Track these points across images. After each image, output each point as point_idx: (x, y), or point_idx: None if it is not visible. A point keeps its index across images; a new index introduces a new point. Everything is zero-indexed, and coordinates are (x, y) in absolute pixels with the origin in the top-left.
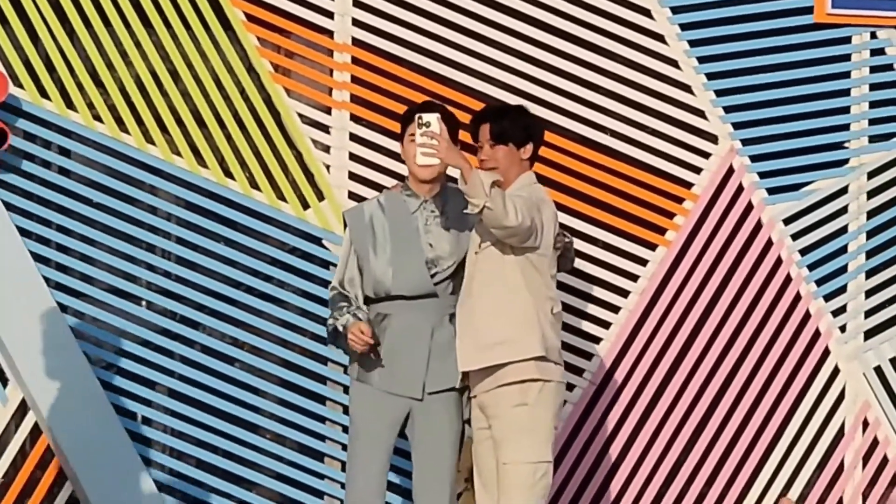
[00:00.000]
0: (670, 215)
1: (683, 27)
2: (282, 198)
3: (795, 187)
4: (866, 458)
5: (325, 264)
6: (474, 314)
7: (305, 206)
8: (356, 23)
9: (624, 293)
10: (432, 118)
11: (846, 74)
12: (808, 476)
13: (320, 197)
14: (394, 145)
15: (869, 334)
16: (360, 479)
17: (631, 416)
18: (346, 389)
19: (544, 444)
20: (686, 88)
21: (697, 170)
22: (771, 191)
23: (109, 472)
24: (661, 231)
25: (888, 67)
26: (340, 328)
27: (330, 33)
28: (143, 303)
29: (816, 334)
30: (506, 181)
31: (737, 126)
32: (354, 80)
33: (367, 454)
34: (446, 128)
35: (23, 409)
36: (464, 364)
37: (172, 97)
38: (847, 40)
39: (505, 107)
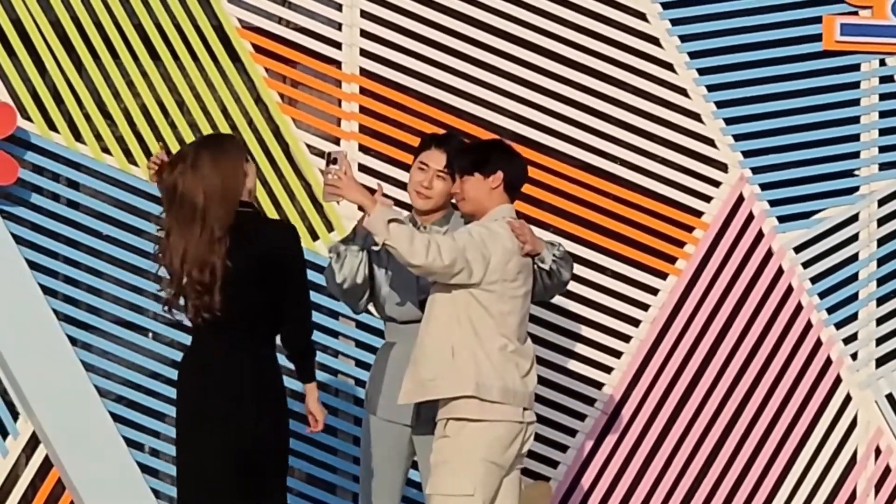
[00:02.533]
0: (681, 244)
1: (692, 55)
2: None
3: (806, 215)
4: (879, 486)
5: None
6: (419, 347)
7: (315, 237)
8: (364, 53)
9: (635, 322)
10: (339, 154)
11: (856, 102)
12: None
13: (329, 228)
14: (402, 175)
15: (880, 362)
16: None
17: (643, 446)
18: (356, 420)
19: (463, 477)
20: (695, 117)
21: (707, 198)
22: (781, 219)
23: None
24: (672, 260)
25: None
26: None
27: (338, 64)
28: (150, 334)
29: (828, 362)
30: (479, 213)
31: (746, 154)
32: (363, 110)
33: (376, 484)
34: (444, 156)
35: (33, 442)
36: (401, 397)
37: (181, 129)
38: (856, 68)
39: (471, 140)
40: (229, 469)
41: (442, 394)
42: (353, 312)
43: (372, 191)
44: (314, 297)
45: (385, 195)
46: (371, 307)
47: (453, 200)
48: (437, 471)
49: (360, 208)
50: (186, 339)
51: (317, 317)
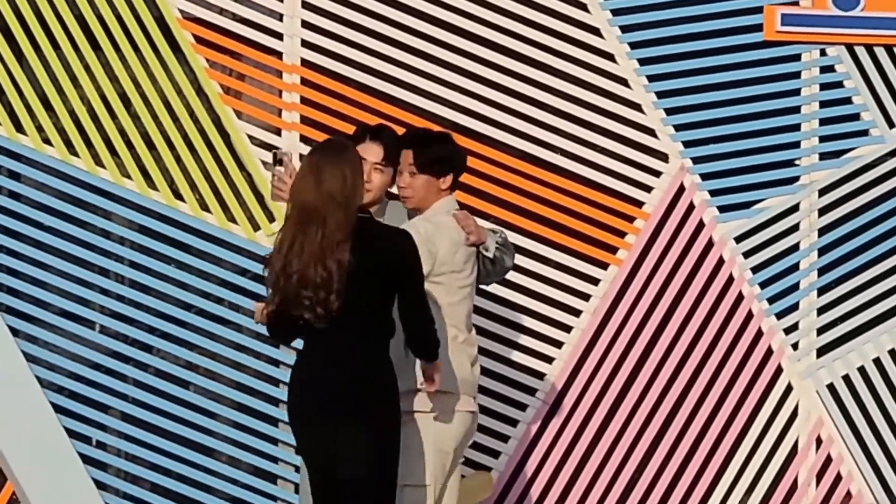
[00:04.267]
0: (622, 234)
1: (633, 45)
2: (232, 220)
3: (746, 205)
4: (820, 476)
5: None
6: None
7: (256, 227)
8: (305, 44)
9: (576, 312)
10: (285, 155)
11: (796, 92)
12: (762, 494)
13: (271, 218)
14: None
15: (821, 351)
16: None
17: (584, 436)
18: None
19: (418, 467)
20: (636, 107)
21: (648, 188)
22: (722, 209)
23: (62, 496)
24: (613, 250)
25: (838, 84)
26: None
27: (279, 55)
28: (98, 327)
29: (769, 352)
30: (424, 207)
31: (687, 144)
32: (304, 101)
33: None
34: (391, 150)
35: None
36: None
37: (122, 120)
38: (797, 58)
39: (429, 134)
40: (361, 467)
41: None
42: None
43: None
44: (253, 288)
45: None
46: None
47: (392, 190)
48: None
49: None
50: (130, 332)
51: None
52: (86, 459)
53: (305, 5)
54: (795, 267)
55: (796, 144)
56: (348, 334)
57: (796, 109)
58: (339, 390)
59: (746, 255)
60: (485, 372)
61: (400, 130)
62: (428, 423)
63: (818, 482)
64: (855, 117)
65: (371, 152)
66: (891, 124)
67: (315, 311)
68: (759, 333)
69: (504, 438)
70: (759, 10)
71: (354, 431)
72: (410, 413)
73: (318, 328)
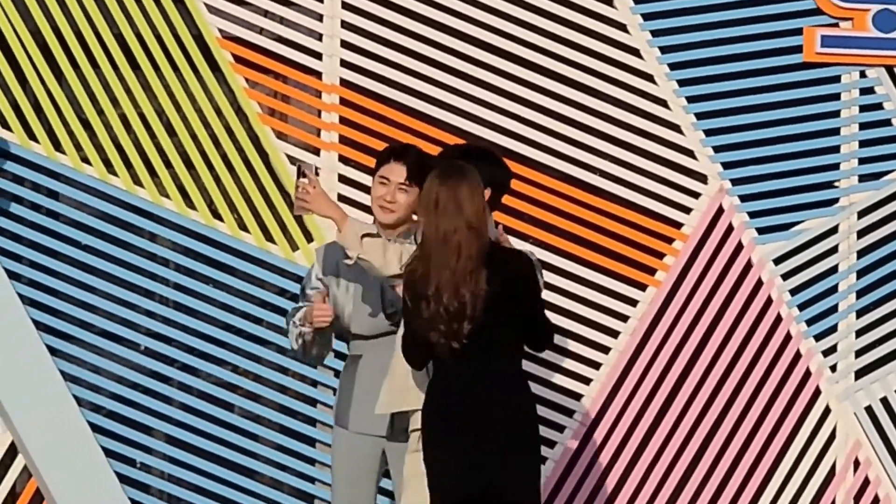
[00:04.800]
0: (660, 255)
1: (673, 67)
2: (270, 239)
3: (785, 227)
4: (857, 498)
5: None
6: (396, 358)
7: (294, 247)
8: (344, 63)
9: (614, 333)
10: (308, 167)
11: (836, 114)
12: None
13: (309, 238)
14: None
15: (860, 374)
16: None
17: (622, 457)
18: None
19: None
20: (676, 128)
21: (687, 210)
22: (761, 230)
23: None
24: (652, 271)
25: (877, 106)
26: (299, 329)
27: (318, 74)
28: (143, 348)
29: (807, 374)
30: None
31: (726, 166)
32: (343, 120)
33: (348, 497)
34: (416, 170)
35: (12, 451)
36: (378, 407)
37: (161, 139)
38: (836, 79)
39: (462, 150)
40: (516, 494)
41: (416, 404)
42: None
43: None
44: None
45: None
46: None
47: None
48: (409, 484)
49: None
50: (170, 351)
51: None
52: (126, 480)
53: (345, 25)
54: (834, 289)
55: (836, 166)
56: (485, 360)
57: (836, 131)
58: (490, 418)
59: (785, 276)
60: None
61: (436, 150)
62: None
63: None
64: (895, 139)
65: (395, 172)
66: None
67: (448, 339)
68: (798, 355)
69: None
70: (798, 31)
71: (507, 457)
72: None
73: (451, 354)
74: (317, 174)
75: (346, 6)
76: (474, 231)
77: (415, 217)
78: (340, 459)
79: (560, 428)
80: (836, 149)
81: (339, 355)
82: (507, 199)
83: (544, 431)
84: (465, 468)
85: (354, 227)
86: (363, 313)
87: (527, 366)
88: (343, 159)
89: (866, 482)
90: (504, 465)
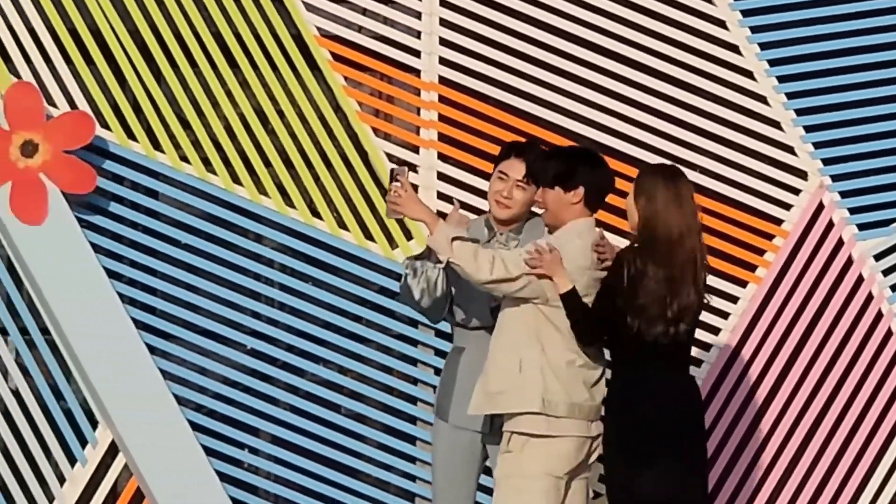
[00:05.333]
0: (760, 252)
1: (772, 63)
2: (370, 237)
3: (886, 223)
4: None
5: None
6: (489, 359)
7: (394, 245)
8: (443, 61)
9: (715, 330)
10: (401, 171)
11: None
12: None
13: (408, 236)
14: (481, 183)
15: None
16: None
17: (724, 451)
18: None
19: (528, 493)
20: (775, 125)
21: (787, 206)
22: (861, 226)
23: None
24: (752, 268)
25: None
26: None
27: (417, 72)
28: (248, 347)
29: None
30: (559, 225)
31: (826, 162)
32: (442, 118)
33: (447, 491)
34: (524, 166)
35: (113, 450)
36: (471, 408)
37: (259, 137)
38: None
39: (558, 150)
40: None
41: (509, 408)
42: (432, 322)
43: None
44: (392, 306)
45: (462, 208)
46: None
47: (533, 208)
48: (500, 485)
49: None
50: (265, 348)
51: (396, 325)
52: (228, 479)
53: (444, 23)
54: None
55: None
56: (685, 364)
57: None
58: (688, 420)
59: (886, 272)
60: None
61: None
62: (535, 447)
63: None
64: None
65: (514, 169)
66: None
67: (666, 337)
68: None
69: None
70: None
71: (700, 463)
72: (520, 435)
73: (661, 355)
74: (414, 171)
75: (444, 3)
76: (700, 234)
77: (537, 210)
78: (440, 452)
79: None
80: None
81: (439, 353)
82: (610, 198)
83: None
84: (686, 475)
85: (445, 230)
86: (467, 305)
87: None
88: (442, 157)
89: None
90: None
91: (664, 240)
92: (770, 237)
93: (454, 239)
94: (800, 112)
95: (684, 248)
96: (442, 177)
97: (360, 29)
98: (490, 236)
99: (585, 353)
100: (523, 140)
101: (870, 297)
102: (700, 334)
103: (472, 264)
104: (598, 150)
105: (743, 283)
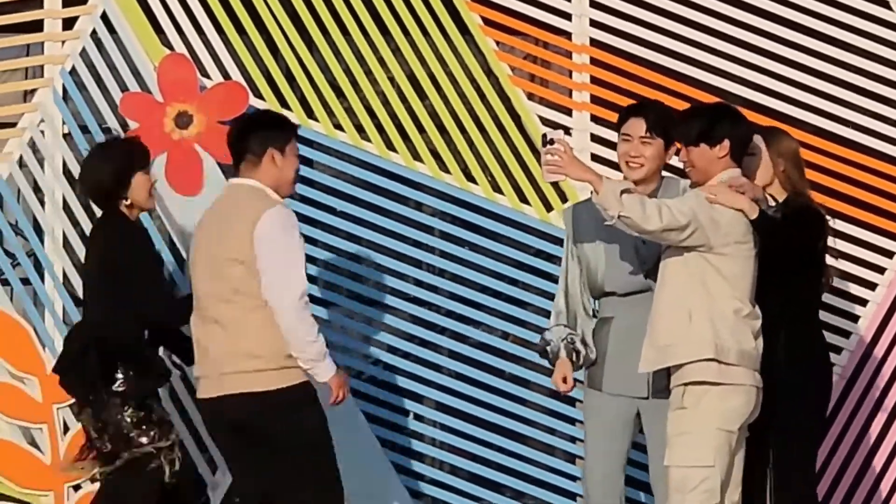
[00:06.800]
0: None
1: None
2: (525, 201)
3: None
4: None
5: None
6: (654, 314)
7: (549, 208)
8: (594, 23)
9: (872, 286)
10: (557, 134)
11: None
12: None
13: (563, 199)
14: None
15: None
16: (596, 483)
17: (882, 410)
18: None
19: (704, 449)
20: None
21: None
22: None
23: (361, 478)
24: (890, 255)
25: None
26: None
27: (568, 35)
28: (392, 314)
29: None
30: (706, 181)
31: None
32: (594, 80)
33: (602, 458)
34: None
35: None
36: (641, 365)
37: (412, 104)
38: None
39: (696, 108)
40: None
41: (682, 358)
42: None
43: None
44: (549, 269)
45: None
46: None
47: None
48: (675, 441)
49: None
50: (425, 314)
51: (553, 287)
52: (391, 446)
53: None
54: None
55: None
56: None
57: None
58: None
59: None
60: None
61: (681, 105)
62: (712, 399)
63: None
64: None
65: (635, 128)
66: None
67: None
68: None
69: None
70: None
71: None
72: (697, 384)
73: None
74: (568, 134)
75: None
76: None
77: (664, 172)
78: (594, 420)
79: None
80: None
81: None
82: None
83: None
84: None
85: (612, 185)
86: (618, 271)
87: None
88: (595, 119)
89: None
90: None
91: None
92: None
93: (622, 193)
94: None
95: None
96: (595, 139)
97: None
98: None
99: (750, 302)
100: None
101: None
102: (857, 290)
103: (642, 215)
104: (749, 109)
105: (881, 270)
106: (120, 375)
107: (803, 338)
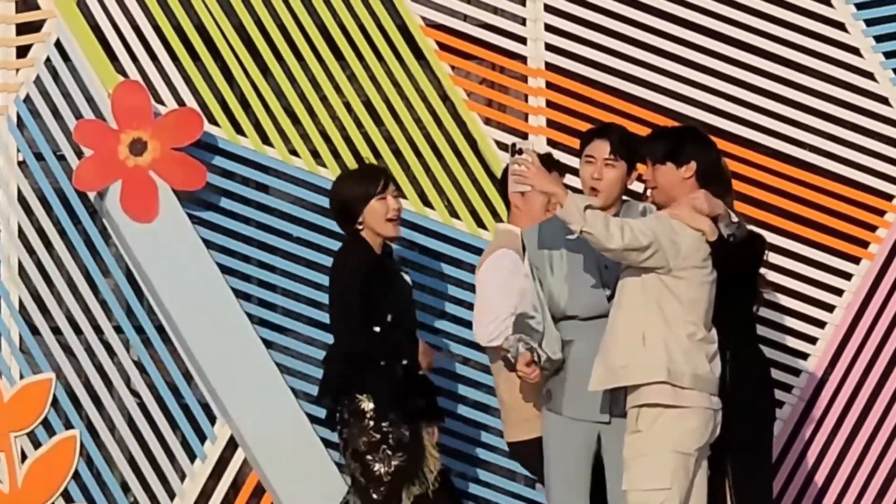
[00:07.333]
0: (872, 228)
1: (878, 39)
2: (482, 225)
3: None
4: None
5: None
6: (609, 334)
7: None
8: (549, 47)
9: (829, 308)
10: (525, 144)
11: None
12: None
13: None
14: None
15: None
16: None
17: (841, 432)
18: None
19: (660, 471)
20: (883, 100)
21: None
22: None
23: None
24: (864, 244)
25: None
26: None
27: (523, 59)
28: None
29: None
30: (669, 203)
31: None
32: (550, 104)
33: (564, 482)
34: (620, 146)
35: (232, 446)
36: (592, 384)
37: (368, 129)
38: None
39: (665, 129)
40: None
41: (634, 380)
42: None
43: None
44: None
45: None
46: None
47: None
48: (632, 464)
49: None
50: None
51: None
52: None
53: (548, 9)
54: None
55: None
56: None
57: None
58: None
59: None
60: None
61: (643, 130)
62: (666, 421)
63: None
64: None
65: (599, 149)
66: None
67: None
68: None
69: None
70: None
71: None
72: (650, 407)
73: None
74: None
75: None
76: None
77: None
78: (554, 444)
79: (779, 404)
80: None
81: None
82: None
83: None
84: None
85: (577, 200)
86: (581, 294)
87: None
88: (551, 142)
89: None
90: None
91: None
92: (881, 213)
93: (586, 208)
94: None
95: None
96: None
97: (465, 17)
98: None
99: (705, 326)
100: (603, 123)
101: None
102: (815, 312)
103: (605, 232)
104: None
105: (856, 260)
106: None
107: (746, 357)
